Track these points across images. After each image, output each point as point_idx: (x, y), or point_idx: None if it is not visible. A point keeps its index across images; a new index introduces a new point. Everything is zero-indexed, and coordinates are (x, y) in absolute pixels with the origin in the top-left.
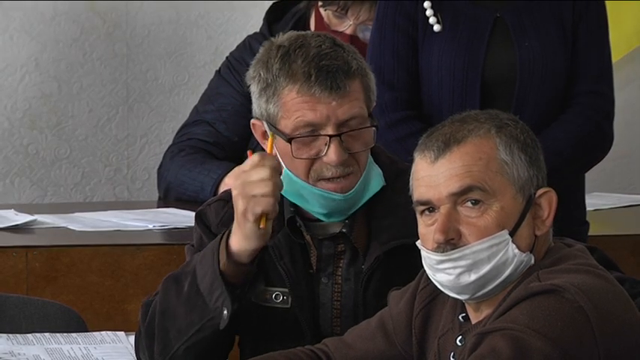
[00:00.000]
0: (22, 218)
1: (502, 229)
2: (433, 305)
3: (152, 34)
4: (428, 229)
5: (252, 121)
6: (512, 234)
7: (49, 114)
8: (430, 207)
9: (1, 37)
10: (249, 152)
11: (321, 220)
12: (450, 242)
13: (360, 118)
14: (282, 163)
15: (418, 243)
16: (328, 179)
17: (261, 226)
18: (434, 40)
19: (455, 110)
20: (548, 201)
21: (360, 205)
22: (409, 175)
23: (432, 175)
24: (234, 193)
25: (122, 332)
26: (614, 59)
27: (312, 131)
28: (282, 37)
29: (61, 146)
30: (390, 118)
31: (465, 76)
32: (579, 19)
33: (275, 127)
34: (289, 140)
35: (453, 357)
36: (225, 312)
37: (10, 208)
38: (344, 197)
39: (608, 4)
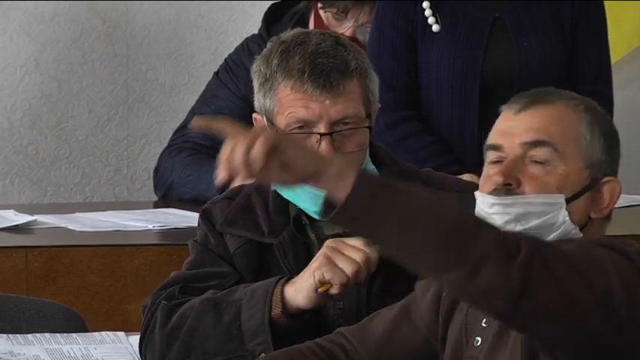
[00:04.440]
0: (22, 218)
1: (560, 193)
2: None
3: (152, 34)
4: (488, 176)
5: (254, 115)
6: (567, 202)
7: (49, 114)
8: (499, 157)
9: (1, 37)
10: None
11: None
12: (507, 187)
13: (354, 118)
14: None
15: (475, 192)
16: None
17: (320, 289)
18: (433, 40)
19: (454, 110)
20: (610, 190)
21: None
22: (411, 175)
23: (511, 125)
24: (322, 249)
25: (122, 332)
26: (614, 59)
27: (304, 128)
28: (289, 34)
29: (60, 146)
30: (390, 119)
31: (464, 76)
32: (578, 20)
33: (271, 123)
34: None
35: (484, 322)
36: (262, 356)
37: (10, 208)
38: None
39: (608, 4)
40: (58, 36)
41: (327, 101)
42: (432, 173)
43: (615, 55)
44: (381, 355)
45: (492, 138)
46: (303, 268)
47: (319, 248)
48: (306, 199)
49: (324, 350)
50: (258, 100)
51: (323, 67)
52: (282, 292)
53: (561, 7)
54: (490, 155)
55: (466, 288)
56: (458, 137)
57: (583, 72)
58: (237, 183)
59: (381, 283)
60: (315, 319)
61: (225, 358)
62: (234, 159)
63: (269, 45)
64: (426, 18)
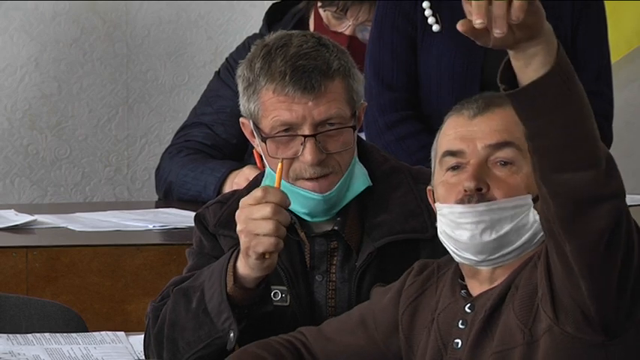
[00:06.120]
0: (22, 218)
1: (528, 193)
2: (421, 299)
3: (152, 34)
4: (452, 184)
5: (241, 119)
6: (534, 201)
7: (49, 114)
8: (458, 162)
9: (1, 37)
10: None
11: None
12: (479, 193)
13: (339, 118)
14: (265, 162)
15: (437, 204)
16: (307, 179)
17: (266, 257)
18: (433, 40)
19: None
20: None
21: (342, 205)
22: (402, 171)
23: (469, 130)
24: (238, 227)
25: (122, 332)
26: (614, 59)
27: (289, 131)
28: (272, 37)
29: (61, 146)
30: (389, 119)
31: (464, 76)
32: (578, 19)
33: (257, 127)
34: (264, 140)
35: (461, 324)
36: (232, 334)
37: (10, 208)
38: (323, 197)
39: (608, 4)
40: (58, 36)
41: (310, 103)
42: (423, 169)
43: (615, 55)
44: None
45: (450, 144)
46: (297, 267)
47: (309, 247)
48: (296, 201)
49: (291, 344)
50: (243, 105)
51: (304, 69)
52: (234, 267)
53: (561, 7)
54: (447, 162)
55: (596, 188)
56: None
57: (583, 72)
58: (497, 33)
59: (370, 280)
60: (311, 316)
61: (206, 343)
62: (497, 9)
63: (253, 49)
64: (426, 18)
